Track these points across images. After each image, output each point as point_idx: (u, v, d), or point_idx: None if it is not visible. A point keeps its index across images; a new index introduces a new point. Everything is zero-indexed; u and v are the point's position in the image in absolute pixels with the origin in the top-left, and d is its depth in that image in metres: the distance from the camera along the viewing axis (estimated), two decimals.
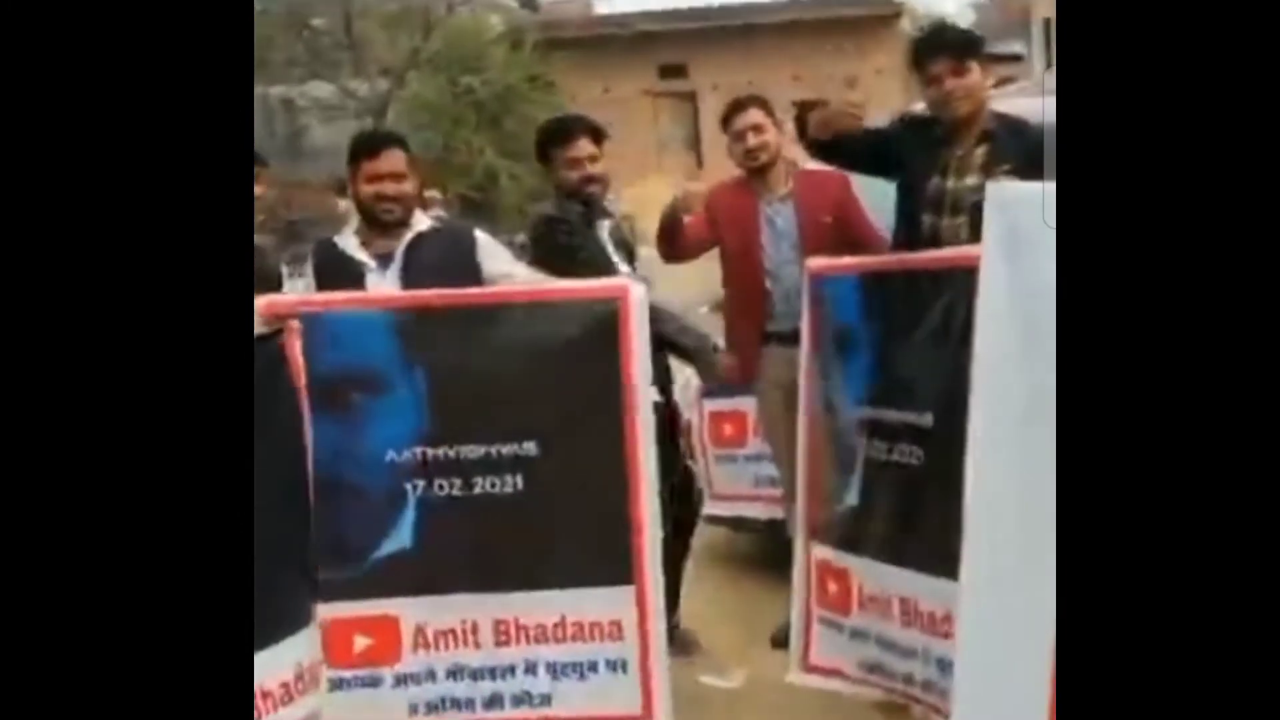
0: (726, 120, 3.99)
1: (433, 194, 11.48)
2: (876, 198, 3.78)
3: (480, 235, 3.42)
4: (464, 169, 16.52)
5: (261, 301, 2.71)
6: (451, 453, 2.86)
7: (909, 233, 3.28)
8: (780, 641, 3.74)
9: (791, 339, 3.62)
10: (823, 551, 3.23)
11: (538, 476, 2.86)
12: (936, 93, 3.21)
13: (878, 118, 4.06)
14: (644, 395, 2.85)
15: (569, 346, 2.86)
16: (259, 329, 2.64)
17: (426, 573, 2.87)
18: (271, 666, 2.50)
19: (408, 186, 3.33)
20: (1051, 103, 3.68)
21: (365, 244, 3.31)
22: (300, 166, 16.21)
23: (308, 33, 17.82)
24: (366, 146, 3.35)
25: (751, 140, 3.89)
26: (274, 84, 17.58)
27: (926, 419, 2.90)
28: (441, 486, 2.87)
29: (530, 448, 2.86)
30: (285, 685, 2.57)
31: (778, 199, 3.89)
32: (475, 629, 2.90)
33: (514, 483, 2.87)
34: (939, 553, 2.70)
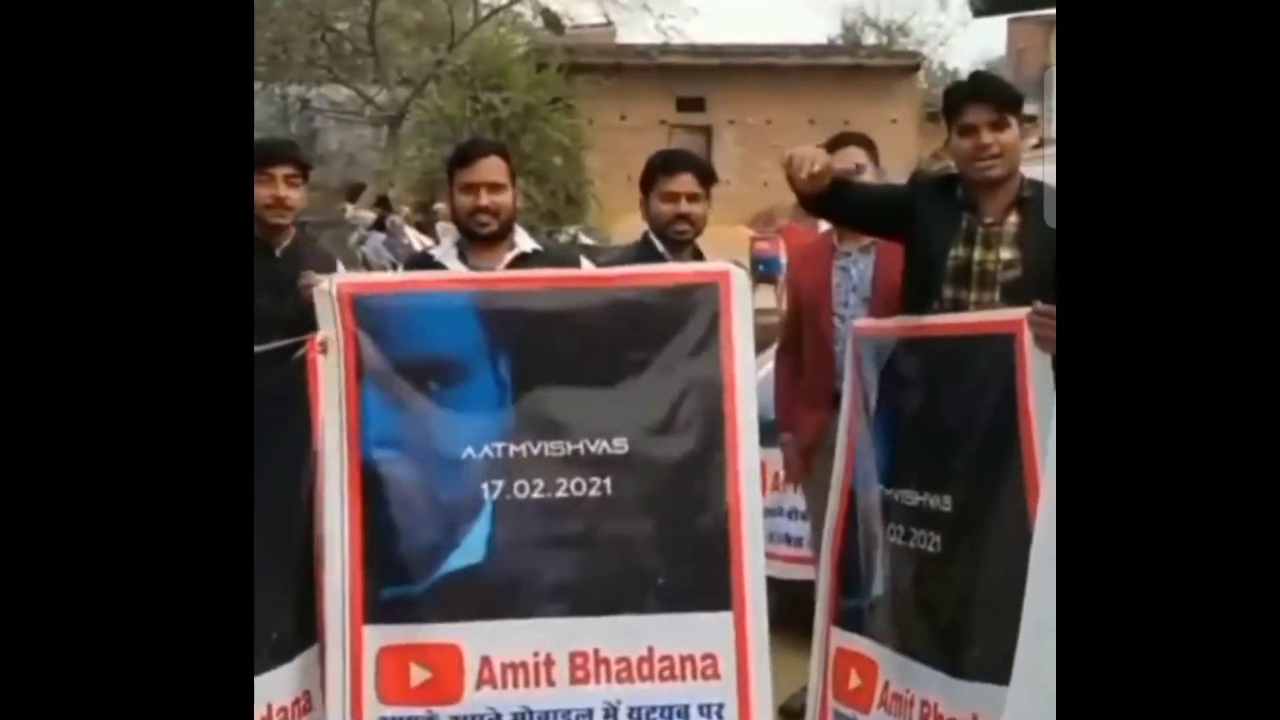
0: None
1: (441, 206, 11.50)
2: None
3: (586, 264, 3.19)
4: None
5: (325, 280, 2.60)
6: (535, 449, 2.57)
7: (922, 306, 2.93)
8: (793, 713, 3.55)
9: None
10: (846, 639, 2.95)
11: (626, 479, 2.57)
12: (970, 147, 2.87)
13: (892, 171, 3.82)
14: (747, 392, 2.59)
15: (663, 336, 2.61)
16: (291, 334, 2.52)
17: (497, 593, 2.55)
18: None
19: (505, 198, 3.14)
20: None
21: (464, 259, 3.15)
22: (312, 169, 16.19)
23: (330, 35, 17.86)
24: (461, 154, 3.21)
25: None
26: (291, 84, 17.62)
27: (945, 502, 2.67)
28: (522, 488, 2.56)
29: (620, 445, 2.57)
30: None
31: (859, 248, 3.57)
32: (550, 662, 2.52)
33: (601, 485, 2.57)
34: (955, 649, 2.58)
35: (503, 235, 3.16)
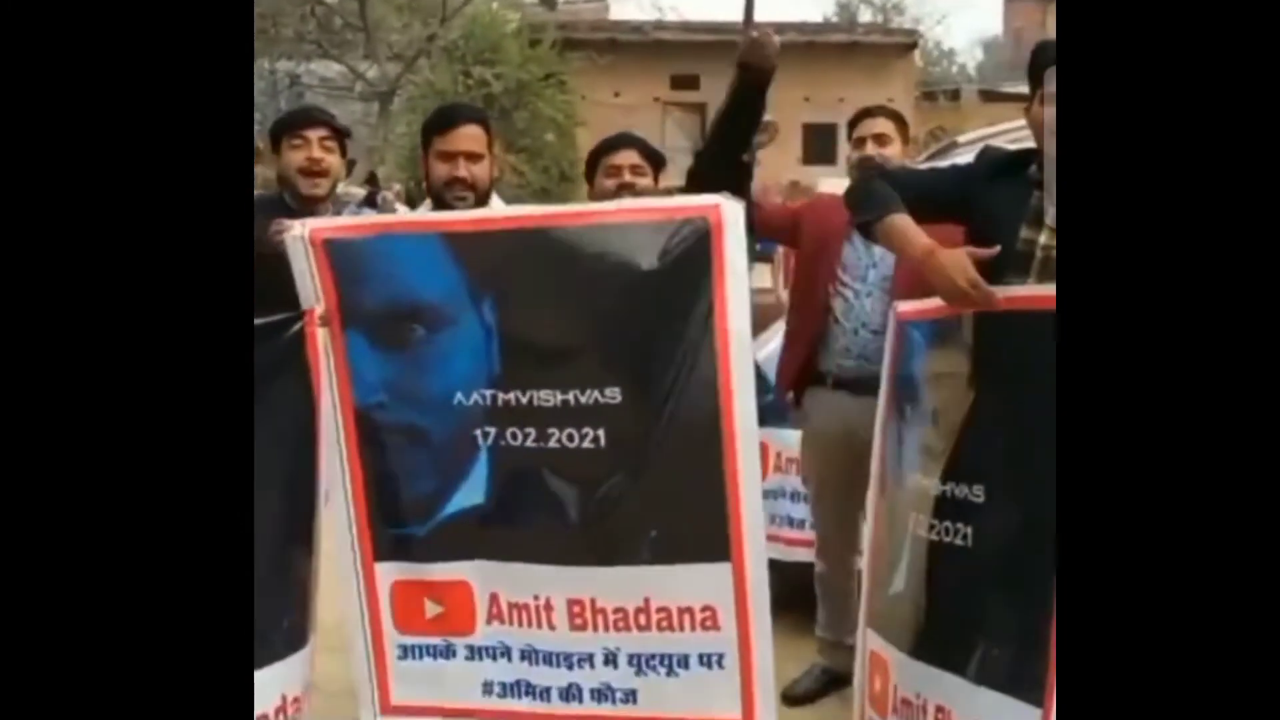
0: (851, 125, 3.56)
1: (397, 189, 11.38)
2: None
3: None
4: None
5: (296, 225, 2.49)
6: (524, 398, 2.46)
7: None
8: (794, 699, 3.47)
9: (853, 386, 3.23)
10: (874, 641, 2.75)
11: (619, 429, 2.44)
12: (1052, 116, 2.43)
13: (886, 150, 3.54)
14: (741, 334, 2.40)
15: (653, 275, 2.41)
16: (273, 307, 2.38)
17: (499, 533, 2.52)
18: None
19: (482, 169, 2.95)
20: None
21: None
22: None
23: (321, 9, 17.72)
24: (439, 119, 2.99)
25: (870, 149, 3.44)
26: (281, 59, 17.50)
27: (978, 493, 2.47)
28: (515, 436, 2.47)
29: (613, 395, 2.43)
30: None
31: None
32: (549, 607, 2.52)
33: (594, 436, 2.44)
34: (981, 657, 2.39)
35: (480, 207, 2.94)
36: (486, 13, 17.70)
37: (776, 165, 10.98)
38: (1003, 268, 2.48)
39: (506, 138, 16.53)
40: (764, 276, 7.21)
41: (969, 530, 2.46)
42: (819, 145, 20.61)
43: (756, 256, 8.13)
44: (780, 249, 6.38)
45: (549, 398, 2.45)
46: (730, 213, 2.37)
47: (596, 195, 3.15)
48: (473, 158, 2.93)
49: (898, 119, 3.54)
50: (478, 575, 2.54)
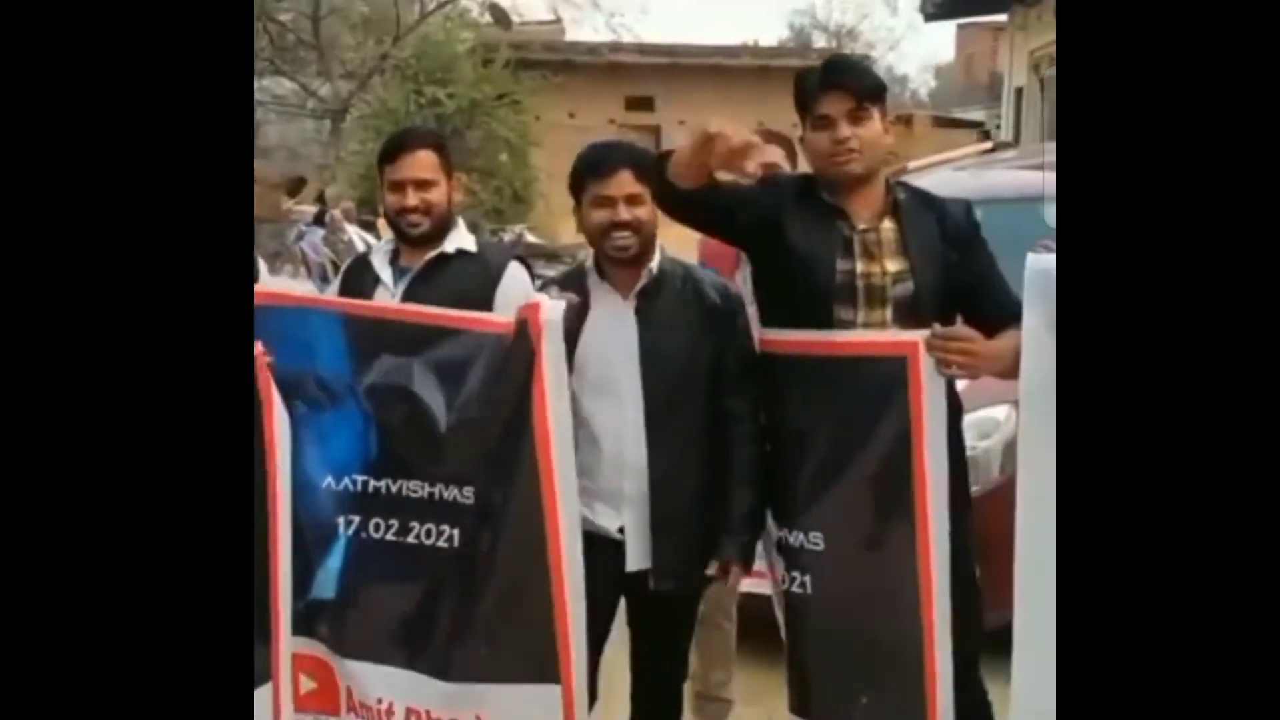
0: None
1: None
2: None
3: (512, 268, 2.90)
4: None
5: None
6: (394, 487, 2.49)
7: (806, 325, 2.54)
8: None
9: None
10: None
11: (470, 532, 2.46)
12: (825, 141, 2.51)
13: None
14: (563, 440, 2.42)
15: (486, 382, 2.46)
16: None
17: (347, 631, 2.53)
18: None
19: (436, 195, 2.86)
20: (1034, 176, 3.41)
21: (395, 260, 2.92)
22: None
23: (274, 26, 17.58)
24: (388, 148, 2.90)
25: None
26: None
27: (815, 540, 2.49)
28: (378, 527, 2.49)
29: (467, 494, 2.46)
30: None
31: (697, 257, 3.39)
32: (390, 712, 2.52)
33: (450, 536, 2.46)
34: (841, 702, 2.49)
35: (438, 235, 2.89)
36: (440, 32, 17.63)
37: None
38: (825, 300, 2.50)
39: (459, 157, 16.49)
40: None
41: (807, 579, 2.50)
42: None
43: None
44: None
45: (416, 489, 2.47)
46: (549, 312, 2.43)
47: (588, 228, 2.74)
48: (423, 185, 2.84)
49: (787, 144, 3.46)
50: (335, 664, 2.57)
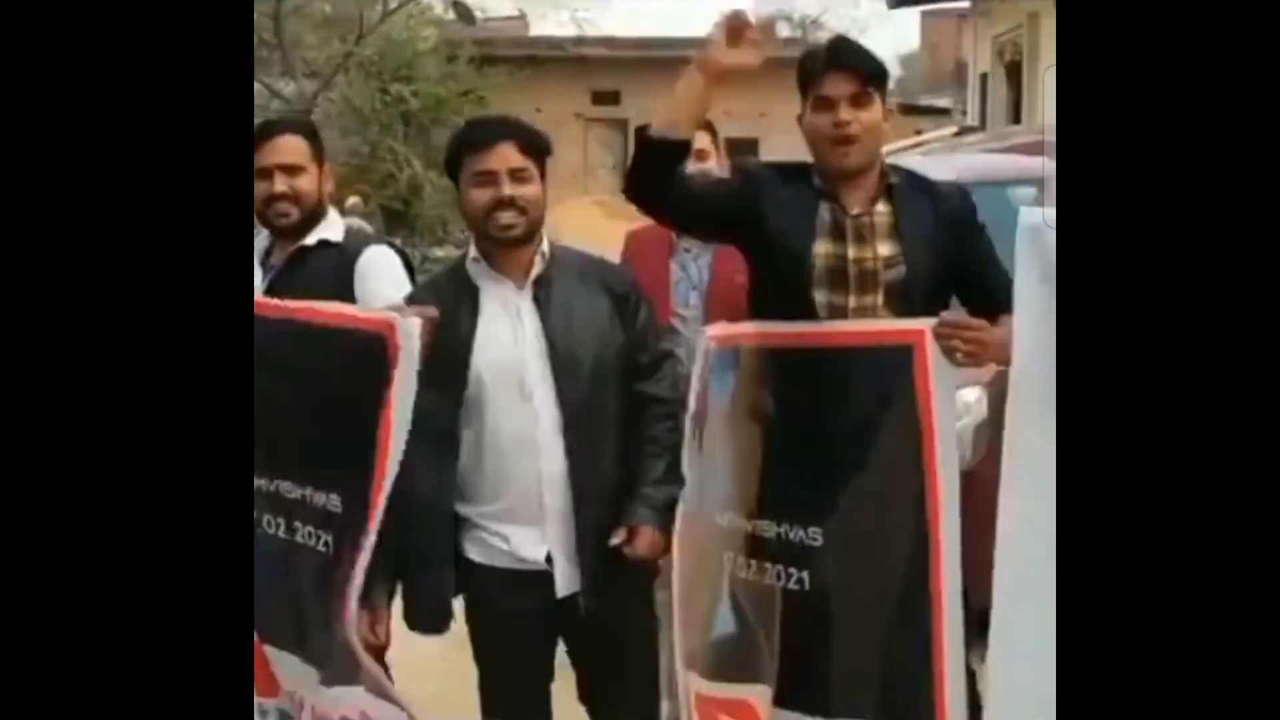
0: None
1: (355, 201, 11.23)
2: None
3: (368, 253, 2.71)
4: (388, 178, 16.28)
5: None
6: (272, 487, 2.42)
7: (786, 314, 2.50)
8: None
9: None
10: (698, 684, 2.63)
11: (339, 539, 2.35)
12: (825, 124, 2.46)
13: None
14: (396, 445, 2.25)
15: (340, 388, 2.37)
16: None
17: (266, 617, 2.33)
18: None
19: (304, 182, 2.69)
20: (994, 159, 3.38)
21: (267, 257, 2.78)
22: None
23: None
24: (257, 133, 2.67)
25: (689, 167, 3.12)
26: None
27: (813, 535, 2.40)
28: (270, 524, 2.43)
29: (334, 502, 2.35)
30: None
31: (699, 244, 3.30)
32: (301, 706, 2.51)
33: (325, 540, 2.36)
34: (827, 695, 2.41)
35: (307, 227, 2.71)
36: (403, 29, 17.53)
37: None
38: (803, 284, 2.46)
39: (427, 155, 16.40)
40: None
41: (804, 575, 2.40)
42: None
43: None
44: None
45: (292, 490, 2.40)
46: (407, 327, 2.25)
47: (467, 210, 2.55)
48: (290, 170, 2.68)
49: (711, 129, 3.40)
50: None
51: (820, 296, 2.49)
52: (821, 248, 2.48)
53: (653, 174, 2.44)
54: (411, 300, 2.53)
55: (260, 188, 2.64)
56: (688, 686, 2.65)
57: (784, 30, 30.05)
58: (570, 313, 2.51)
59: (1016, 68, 14.02)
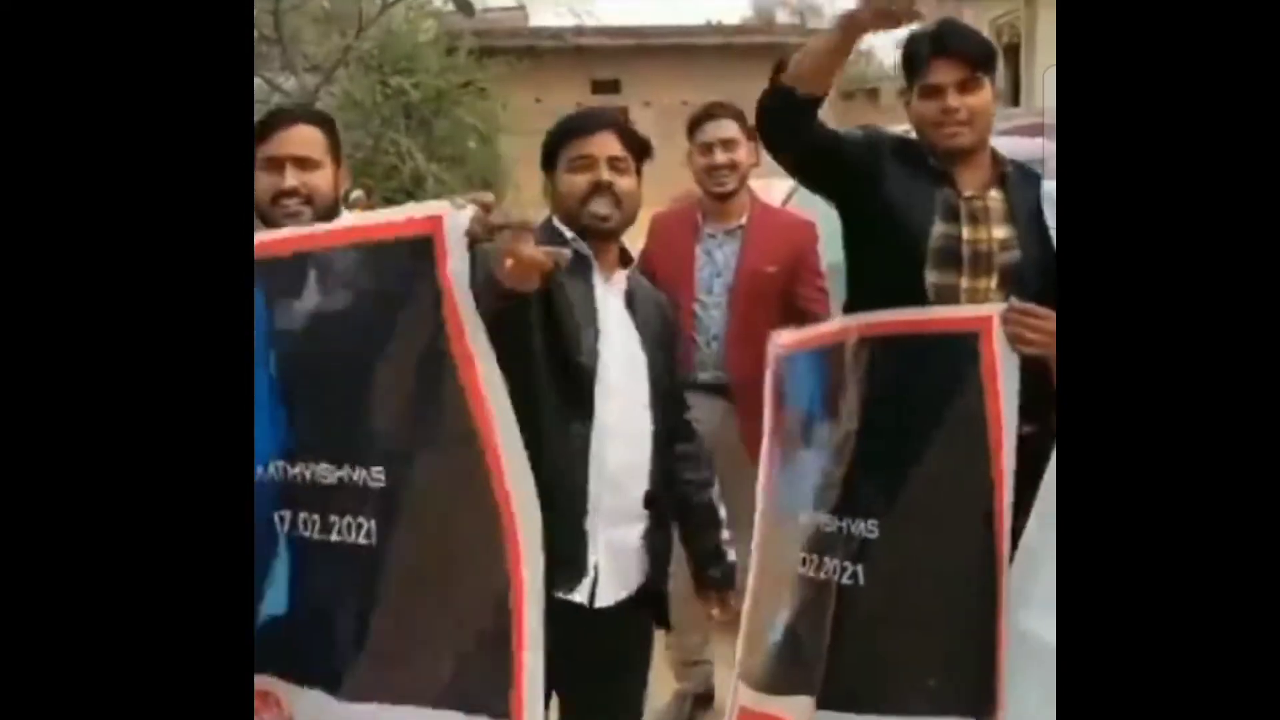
0: (694, 127, 3.37)
1: (359, 195, 11.28)
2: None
3: None
4: (391, 171, 16.31)
5: None
6: (309, 473, 1.94)
7: (895, 294, 2.40)
8: None
9: (716, 390, 3.19)
10: (745, 695, 2.59)
11: (388, 523, 1.90)
12: (933, 112, 2.44)
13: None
14: (495, 394, 1.84)
15: (387, 310, 1.90)
16: None
17: (307, 655, 1.97)
18: None
19: (319, 179, 2.34)
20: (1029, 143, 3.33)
21: None
22: None
23: None
24: (261, 125, 2.34)
25: (720, 157, 3.30)
26: None
27: (871, 528, 2.35)
28: (306, 524, 1.95)
29: (377, 477, 1.89)
30: None
31: (724, 231, 3.31)
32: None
33: (367, 529, 1.89)
34: (925, 691, 2.34)
35: None
36: (402, 22, 17.54)
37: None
38: (917, 263, 2.41)
39: (429, 147, 16.42)
40: None
41: (859, 569, 2.34)
42: None
43: None
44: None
45: (326, 474, 1.92)
46: (455, 221, 1.84)
47: (562, 196, 2.39)
48: (304, 164, 2.32)
49: (741, 118, 3.33)
50: (295, 701, 2.01)
51: (931, 276, 2.43)
52: (935, 227, 2.44)
53: (785, 120, 2.38)
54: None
55: (267, 181, 2.31)
56: (735, 698, 2.63)
57: (782, 16, 30.06)
58: (648, 323, 2.41)
59: (1014, 50, 14.03)
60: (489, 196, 1.89)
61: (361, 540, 1.91)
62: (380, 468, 1.90)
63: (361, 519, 1.91)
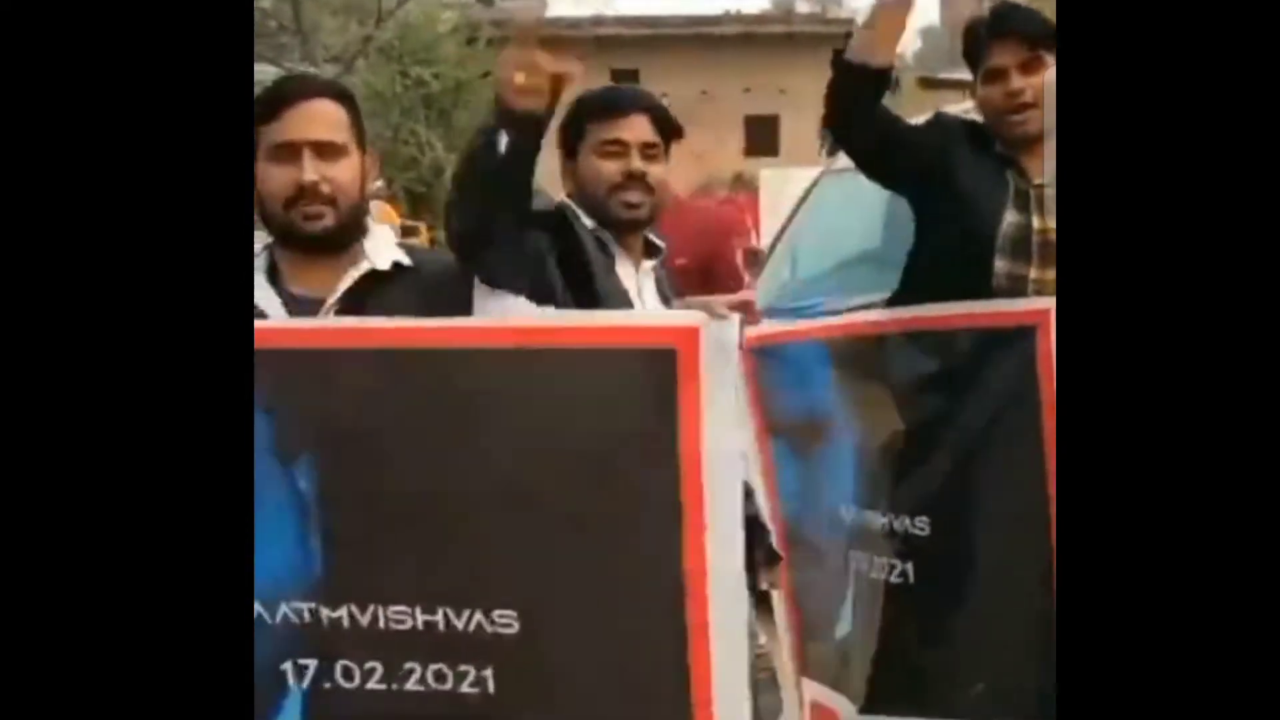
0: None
1: (379, 185, 11.30)
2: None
3: (480, 286, 1.81)
4: (411, 161, 16.36)
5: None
6: (362, 616, 1.57)
7: (960, 283, 2.31)
8: None
9: None
10: (815, 690, 2.55)
11: (507, 673, 1.57)
12: (998, 95, 2.35)
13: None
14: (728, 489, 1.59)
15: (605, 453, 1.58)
16: None
17: None
18: None
19: (343, 171, 1.77)
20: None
21: (274, 276, 1.81)
22: None
23: (255, 13, 17.54)
24: (269, 100, 1.79)
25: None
26: None
27: (921, 525, 2.29)
28: (348, 674, 1.58)
29: (509, 623, 1.56)
30: None
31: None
32: None
33: (479, 679, 1.57)
34: (975, 694, 2.28)
35: (346, 238, 1.80)
36: (421, 13, 17.58)
37: (718, 158, 10.98)
38: (986, 252, 2.32)
39: (448, 138, 16.47)
40: None
41: (908, 567, 2.30)
42: (761, 137, 20.69)
43: None
44: None
45: (403, 617, 1.58)
46: (718, 334, 1.58)
47: (586, 181, 2.13)
48: (326, 150, 1.76)
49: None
50: None
51: (1002, 266, 2.33)
52: (1007, 215, 2.35)
53: (854, 101, 2.29)
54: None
55: (279, 175, 1.76)
56: (804, 694, 2.58)
57: (803, 6, 29.99)
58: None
59: None
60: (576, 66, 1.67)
61: (469, 689, 1.59)
62: (512, 612, 1.59)
63: (468, 667, 1.60)
